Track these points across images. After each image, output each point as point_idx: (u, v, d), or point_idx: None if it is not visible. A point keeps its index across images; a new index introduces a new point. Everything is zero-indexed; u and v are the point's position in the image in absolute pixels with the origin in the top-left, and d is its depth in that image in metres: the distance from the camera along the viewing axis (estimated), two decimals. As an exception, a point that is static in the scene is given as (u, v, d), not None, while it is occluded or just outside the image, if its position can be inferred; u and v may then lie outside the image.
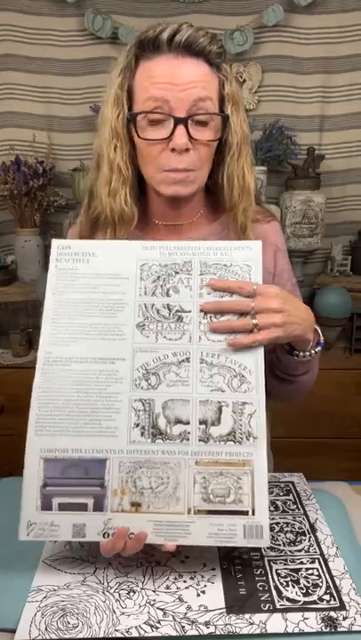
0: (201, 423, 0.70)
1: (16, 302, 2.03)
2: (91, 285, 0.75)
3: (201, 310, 0.73)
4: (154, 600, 0.69)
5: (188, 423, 0.70)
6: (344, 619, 0.66)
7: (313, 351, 0.82)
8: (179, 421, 0.70)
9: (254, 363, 0.72)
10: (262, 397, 0.71)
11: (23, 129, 1.97)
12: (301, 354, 0.82)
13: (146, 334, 0.73)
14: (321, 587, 0.71)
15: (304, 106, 1.95)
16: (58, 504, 0.69)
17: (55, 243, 0.78)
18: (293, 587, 0.71)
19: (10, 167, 1.87)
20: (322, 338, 0.83)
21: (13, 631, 0.65)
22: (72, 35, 1.89)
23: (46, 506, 0.69)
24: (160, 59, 0.76)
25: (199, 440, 0.69)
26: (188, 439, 0.69)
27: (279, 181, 1.97)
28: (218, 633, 0.64)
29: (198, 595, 0.69)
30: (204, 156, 0.80)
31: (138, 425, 0.70)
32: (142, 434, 0.70)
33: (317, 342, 0.83)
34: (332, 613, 0.67)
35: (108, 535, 0.68)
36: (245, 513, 0.68)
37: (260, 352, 0.72)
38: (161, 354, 0.72)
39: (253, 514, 0.68)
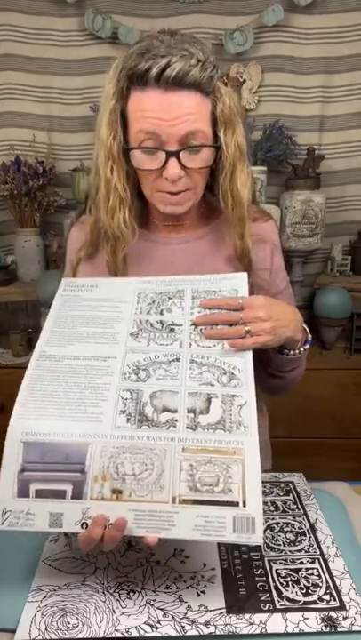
0: (189, 412, 0.69)
1: (16, 302, 2.03)
2: (92, 306, 0.82)
3: (192, 324, 0.77)
4: (154, 600, 0.69)
5: (175, 411, 0.69)
6: (344, 619, 0.66)
7: (302, 349, 0.87)
8: (166, 409, 0.69)
9: (243, 363, 0.73)
10: (252, 394, 0.71)
11: (23, 129, 1.97)
12: (291, 352, 0.86)
13: (138, 340, 0.77)
14: (321, 587, 0.71)
15: (304, 106, 1.95)
16: (35, 490, 0.65)
17: (64, 281, 0.87)
18: (293, 587, 0.71)
19: (10, 167, 1.87)
20: (310, 336, 0.88)
21: (13, 631, 0.65)
22: (72, 35, 1.89)
23: (23, 492, 0.65)
24: (149, 92, 0.75)
25: (187, 427, 0.68)
26: (175, 426, 0.68)
27: (279, 181, 1.97)
28: (218, 633, 0.64)
29: (198, 595, 0.69)
30: (198, 178, 0.83)
31: (124, 412, 0.69)
32: (128, 420, 0.68)
33: (305, 340, 0.87)
34: (332, 613, 0.67)
35: (87, 526, 0.64)
36: (235, 504, 0.64)
37: (249, 353, 0.74)
38: (152, 354, 0.75)
39: (245, 505, 0.64)
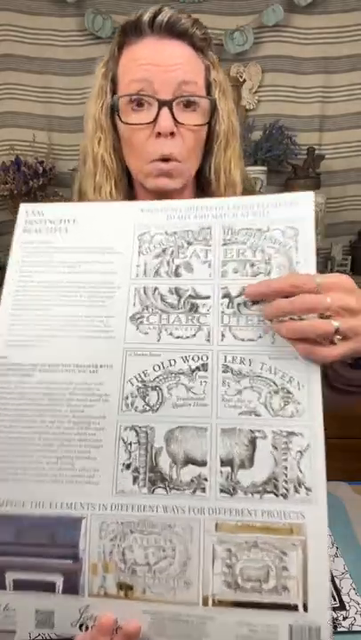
0: (224, 464, 0.48)
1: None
2: (69, 263, 0.55)
3: (224, 296, 0.52)
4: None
5: (204, 464, 0.48)
6: (344, 619, 0.66)
7: None
8: (190, 461, 0.49)
9: (306, 371, 0.49)
10: (319, 425, 0.48)
11: (23, 129, 1.97)
12: None
13: (143, 330, 0.53)
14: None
15: (304, 106, 1.95)
16: (13, 580, 0.48)
17: (23, 208, 0.61)
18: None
19: (10, 167, 1.87)
20: None
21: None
22: (72, 35, 1.89)
23: None
24: (143, 41, 0.73)
25: (222, 491, 0.48)
26: (204, 489, 0.48)
27: (279, 181, 1.97)
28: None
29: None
30: (191, 143, 0.74)
31: (129, 466, 0.49)
32: (135, 480, 0.49)
33: None
34: (332, 613, 0.67)
35: (87, 628, 0.47)
36: (293, 607, 0.45)
37: None
38: (165, 359, 0.51)
39: (306, 609, 0.45)
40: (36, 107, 1.96)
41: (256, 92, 1.94)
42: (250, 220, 0.55)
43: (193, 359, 0.51)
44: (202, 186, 0.83)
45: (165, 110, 0.71)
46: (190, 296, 0.53)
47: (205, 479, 0.48)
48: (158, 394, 0.51)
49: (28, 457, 0.50)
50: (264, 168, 1.86)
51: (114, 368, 0.51)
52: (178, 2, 1.85)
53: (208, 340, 0.51)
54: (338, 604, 0.68)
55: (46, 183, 1.91)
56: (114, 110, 0.75)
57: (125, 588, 0.47)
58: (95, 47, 1.89)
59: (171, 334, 0.52)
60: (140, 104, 0.72)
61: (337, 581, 0.72)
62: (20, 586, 0.48)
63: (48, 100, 1.95)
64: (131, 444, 0.49)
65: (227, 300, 0.52)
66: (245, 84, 1.92)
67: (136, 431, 0.50)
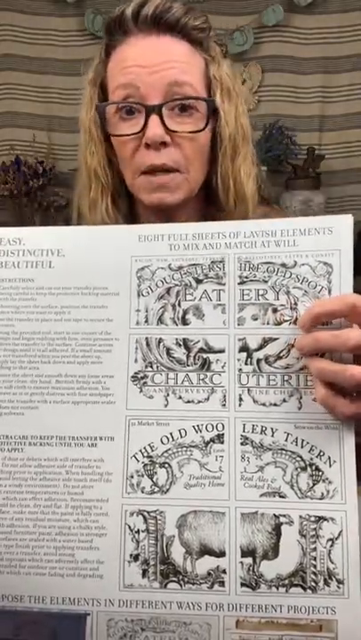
0: (245, 554, 0.43)
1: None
2: (56, 308, 0.47)
3: (242, 349, 0.45)
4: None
5: (222, 554, 0.43)
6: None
7: None
8: (207, 551, 0.43)
9: (338, 444, 0.43)
10: (354, 508, 0.43)
11: (23, 129, 1.97)
12: None
13: (148, 393, 0.46)
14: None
15: (304, 106, 1.95)
16: None
17: None
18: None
19: (10, 167, 1.87)
20: None
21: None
22: (72, 35, 1.89)
23: None
24: (130, 41, 0.63)
25: (243, 585, 0.42)
26: (223, 583, 0.42)
27: (279, 181, 1.97)
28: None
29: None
30: (190, 152, 0.63)
31: (137, 557, 0.43)
32: (145, 573, 0.43)
33: None
34: None
35: None
36: None
37: (350, 425, 0.44)
38: (175, 428, 0.45)
39: None
40: (36, 107, 1.96)
41: (256, 92, 1.94)
42: (272, 251, 0.46)
43: (207, 429, 0.44)
44: (211, 198, 0.71)
45: (154, 118, 0.61)
46: (201, 349, 0.45)
47: (224, 572, 0.43)
48: (168, 472, 0.44)
49: (24, 547, 0.44)
50: (264, 168, 1.86)
51: (115, 440, 0.45)
52: (177, 2, 1.85)
53: (224, 405, 0.44)
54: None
55: (46, 183, 1.91)
56: (101, 119, 0.67)
57: None
58: (95, 47, 1.87)
59: (180, 398, 0.45)
60: (129, 112, 0.63)
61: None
62: None
63: (48, 100, 1.95)
64: (138, 531, 0.43)
65: (245, 355, 0.45)
66: (245, 84, 1.92)
67: (144, 517, 0.44)
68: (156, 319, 0.46)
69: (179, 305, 0.46)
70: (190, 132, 0.63)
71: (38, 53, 1.91)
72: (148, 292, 0.47)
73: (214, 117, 0.65)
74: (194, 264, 0.47)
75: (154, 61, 0.61)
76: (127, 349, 0.46)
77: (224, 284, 0.46)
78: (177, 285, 0.47)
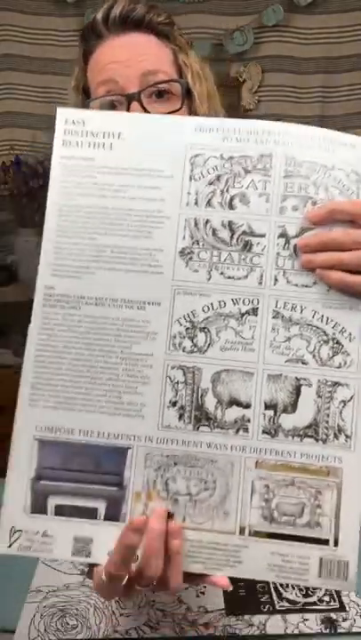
0: (268, 407, 0.49)
1: (16, 302, 2.03)
2: (114, 186, 0.52)
3: (281, 235, 0.50)
4: (153, 601, 0.69)
5: (248, 406, 0.49)
6: (344, 620, 0.66)
7: None
8: (235, 402, 0.50)
9: (359, 324, 0.50)
10: None
11: (23, 129, 1.97)
12: None
13: (193, 267, 0.51)
14: (321, 588, 0.71)
15: (304, 106, 1.94)
16: (54, 506, 0.49)
17: (61, 114, 0.58)
18: (293, 588, 0.70)
19: (10, 167, 1.87)
20: None
21: (13, 631, 0.65)
22: (72, 35, 1.89)
23: (39, 507, 0.49)
24: (103, 43, 0.70)
25: (263, 432, 0.49)
26: (247, 429, 0.49)
27: (279, 181, 1.97)
28: (217, 634, 0.64)
29: (198, 596, 0.69)
30: None
31: (175, 404, 0.50)
32: (181, 416, 0.50)
33: None
34: (332, 615, 0.67)
35: None
36: (324, 542, 0.48)
37: None
38: (215, 300, 0.50)
39: (336, 544, 0.48)
40: (36, 107, 1.96)
41: (256, 91, 1.94)
42: (315, 153, 0.50)
43: (243, 302, 0.50)
44: None
45: (135, 104, 0.67)
46: (244, 232, 0.50)
47: (248, 420, 0.49)
48: (207, 335, 0.50)
49: (77, 387, 0.50)
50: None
51: (162, 306, 0.50)
52: (177, 2, 1.85)
53: (260, 283, 0.50)
54: (338, 606, 0.68)
55: (46, 183, 1.91)
56: None
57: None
58: (95, 47, 1.89)
59: (222, 274, 0.50)
60: (112, 106, 0.69)
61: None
62: (61, 511, 0.49)
63: (48, 100, 1.95)
64: (178, 382, 0.50)
65: (283, 241, 0.50)
66: (245, 84, 1.92)
67: (183, 371, 0.50)
68: (205, 202, 0.51)
69: (227, 191, 0.50)
70: (169, 113, 0.67)
71: (38, 53, 1.91)
72: (199, 177, 0.51)
73: (189, 99, 0.71)
74: (244, 155, 0.51)
75: (127, 56, 0.68)
76: (176, 227, 0.51)
77: (270, 176, 0.50)
78: (227, 174, 0.51)
